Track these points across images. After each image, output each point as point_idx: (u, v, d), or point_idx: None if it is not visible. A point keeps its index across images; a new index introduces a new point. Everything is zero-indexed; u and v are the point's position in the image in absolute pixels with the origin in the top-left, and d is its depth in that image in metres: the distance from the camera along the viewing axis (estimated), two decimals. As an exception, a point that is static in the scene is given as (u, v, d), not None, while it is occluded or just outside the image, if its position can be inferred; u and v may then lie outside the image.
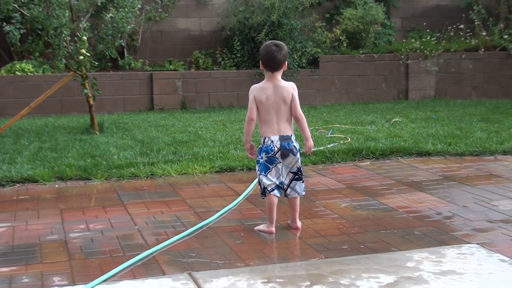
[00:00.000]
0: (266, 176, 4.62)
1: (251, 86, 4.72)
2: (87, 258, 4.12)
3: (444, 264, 3.88)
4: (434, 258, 3.99)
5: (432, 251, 4.13)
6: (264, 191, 4.64)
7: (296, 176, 4.67)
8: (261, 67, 4.67)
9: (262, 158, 4.61)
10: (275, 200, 4.64)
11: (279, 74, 4.65)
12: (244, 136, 4.74)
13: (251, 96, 4.61)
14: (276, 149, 4.57)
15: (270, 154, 4.59)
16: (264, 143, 4.61)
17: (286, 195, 4.69)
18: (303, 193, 4.72)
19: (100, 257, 4.15)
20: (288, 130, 4.62)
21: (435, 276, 3.71)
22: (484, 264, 3.90)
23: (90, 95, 8.36)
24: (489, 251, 4.12)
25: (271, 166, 4.61)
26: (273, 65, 4.60)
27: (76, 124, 9.29)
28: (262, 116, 4.62)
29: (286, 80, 4.78)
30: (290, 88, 4.64)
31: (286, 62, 4.68)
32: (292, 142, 4.61)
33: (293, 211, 4.74)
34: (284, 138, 4.59)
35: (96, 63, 8.37)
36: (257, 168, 4.69)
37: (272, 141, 4.58)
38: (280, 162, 4.61)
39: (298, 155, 4.65)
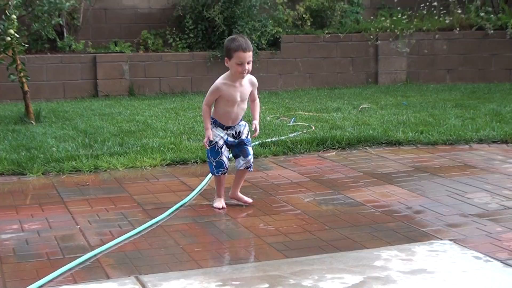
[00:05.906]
0: None
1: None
2: (21, 262, 4.08)
3: (415, 263, 3.95)
4: (404, 256, 4.05)
5: (401, 248, 4.20)
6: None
7: None
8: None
9: None
10: None
11: None
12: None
13: None
14: None
15: None
16: None
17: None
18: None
19: (36, 260, 4.11)
20: None
21: (405, 275, 3.77)
22: (457, 261, 3.98)
23: (24, 81, 8.21)
24: (463, 247, 4.20)
25: None
26: None
27: (8, 112, 9.14)
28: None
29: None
30: None
31: None
32: None
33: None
34: None
35: (26, 45, 8.16)
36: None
37: None
38: None
39: None
